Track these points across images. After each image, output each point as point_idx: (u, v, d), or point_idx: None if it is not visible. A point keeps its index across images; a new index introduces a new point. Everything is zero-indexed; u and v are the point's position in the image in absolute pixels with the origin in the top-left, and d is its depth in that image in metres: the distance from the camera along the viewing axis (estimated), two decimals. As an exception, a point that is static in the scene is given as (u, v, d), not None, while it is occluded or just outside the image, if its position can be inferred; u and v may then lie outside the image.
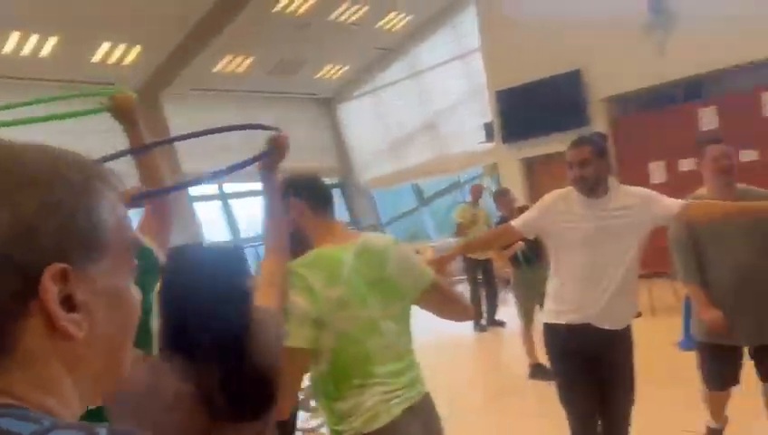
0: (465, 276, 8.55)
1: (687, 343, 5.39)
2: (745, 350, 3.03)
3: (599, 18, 8.66)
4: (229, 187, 12.29)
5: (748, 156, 7.94)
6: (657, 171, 8.65)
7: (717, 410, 3.21)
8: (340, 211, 14.30)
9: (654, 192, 2.73)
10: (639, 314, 2.90)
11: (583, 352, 2.73)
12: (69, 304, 0.55)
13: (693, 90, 8.65)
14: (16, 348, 0.54)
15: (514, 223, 2.91)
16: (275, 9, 9.56)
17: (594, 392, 2.78)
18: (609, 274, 2.66)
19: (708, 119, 8.27)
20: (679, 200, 2.63)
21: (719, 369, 3.02)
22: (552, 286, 2.83)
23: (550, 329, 2.82)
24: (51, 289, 0.54)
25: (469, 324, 7.91)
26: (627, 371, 2.81)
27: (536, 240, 4.80)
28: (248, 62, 10.86)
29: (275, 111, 12.57)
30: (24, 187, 0.55)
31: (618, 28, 8.56)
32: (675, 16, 8.16)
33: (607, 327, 2.71)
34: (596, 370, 2.78)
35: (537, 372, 5.28)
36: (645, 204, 2.64)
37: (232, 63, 10.76)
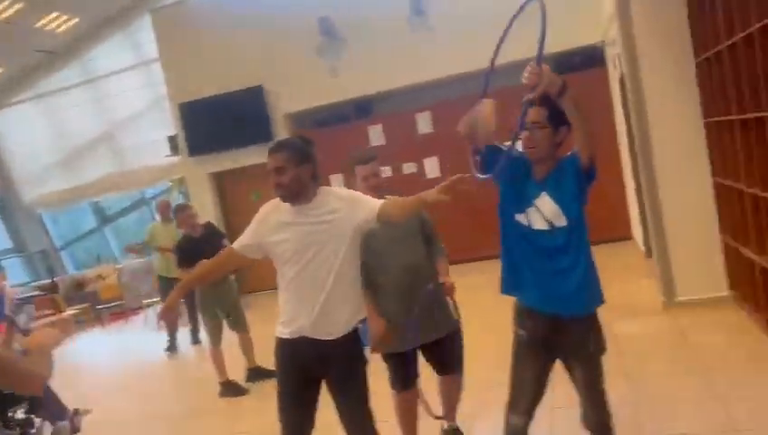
0: (160, 298, 8.12)
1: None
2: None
3: (277, 37, 9.03)
4: None
5: (409, 168, 9.13)
6: (337, 183, 9.37)
7: (405, 421, 3.28)
8: (2, 236, 12.29)
9: (359, 194, 2.69)
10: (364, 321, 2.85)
11: (302, 365, 2.66)
12: None
13: (363, 109, 9.58)
14: None
15: (235, 245, 2.78)
16: None
17: (307, 409, 2.69)
18: (321, 281, 2.58)
19: (376, 136, 9.24)
20: (379, 200, 2.61)
21: (402, 371, 3.19)
22: (279, 300, 2.74)
23: (276, 343, 2.73)
24: None
25: (160, 347, 7.51)
26: (352, 380, 2.66)
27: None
28: None
29: None
30: None
31: (295, 48, 9.03)
32: (344, 42, 8.93)
33: (324, 338, 2.61)
34: (322, 382, 2.69)
35: (228, 389, 5.23)
36: (350, 206, 2.58)
37: None
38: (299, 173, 2.56)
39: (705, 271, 5.03)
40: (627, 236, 8.27)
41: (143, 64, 11.09)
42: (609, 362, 4.09)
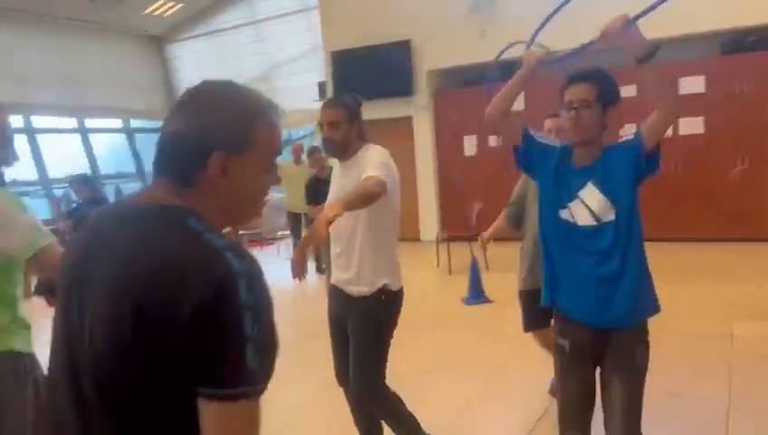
0: (290, 231, 8.88)
1: (470, 299, 6.10)
2: None
3: (431, -5, 9.12)
4: (38, 120, 11.30)
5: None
6: (469, 145, 9.43)
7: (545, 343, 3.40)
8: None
9: (379, 160, 2.59)
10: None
11: (336, 313, 2.83)
12: (222, 168, 1.05)
13: (507, 72, 9.46)
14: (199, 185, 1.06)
15: None
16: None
17: (342, 351, 2.80)
18: (343, 236, 2.67)
19: (518, 99, 9.13)
20: (369, 182, 2.45)
21: (529, 309, 3.32)
22: None
23: None
24: (218, 159, 1.04)
25: (286, 276, 8.24)
26: (360, 338, 2.68)
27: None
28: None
29: (98, 43, 11.68)
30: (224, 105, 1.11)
31: (447, 7, 9.09)
32: (496, 3, 8.83)
33: (348, 291, 2.71)
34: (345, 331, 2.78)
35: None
36: (363, 171, 2.56)
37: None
38: (349, 130, 2.68)
39: None
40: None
41: (305, 11, 11.67)
42: (716, 360, 3.97)
